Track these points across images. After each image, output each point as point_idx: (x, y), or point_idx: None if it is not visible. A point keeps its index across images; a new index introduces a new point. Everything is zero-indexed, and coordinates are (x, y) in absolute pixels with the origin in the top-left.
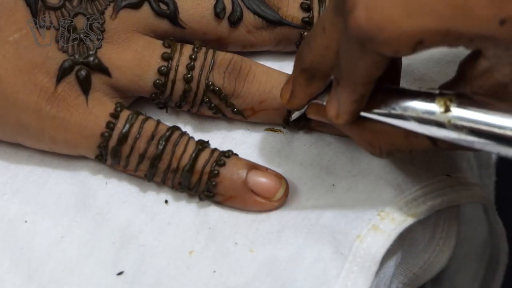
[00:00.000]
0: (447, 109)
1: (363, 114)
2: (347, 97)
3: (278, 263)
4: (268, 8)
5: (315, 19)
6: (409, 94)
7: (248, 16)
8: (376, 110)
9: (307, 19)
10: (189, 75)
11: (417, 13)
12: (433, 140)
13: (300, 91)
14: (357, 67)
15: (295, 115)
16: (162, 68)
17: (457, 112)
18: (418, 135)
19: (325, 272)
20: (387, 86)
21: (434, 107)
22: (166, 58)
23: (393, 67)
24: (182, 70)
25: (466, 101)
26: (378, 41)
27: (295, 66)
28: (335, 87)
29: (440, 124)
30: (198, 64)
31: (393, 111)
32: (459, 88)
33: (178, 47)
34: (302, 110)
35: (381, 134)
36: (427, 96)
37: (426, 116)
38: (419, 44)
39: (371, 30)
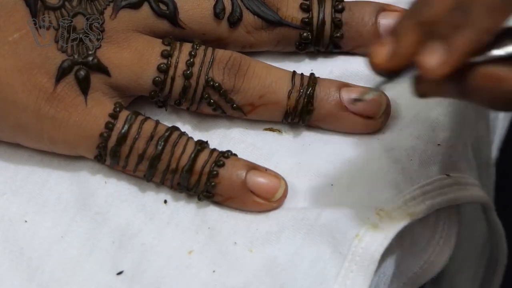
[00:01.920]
0: None
1: (477, 59)
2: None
3: (277, 263)
4: (267, 8)
5: (314, 20)
6: None
7: (248, 17)
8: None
9: (306, 20)
10: (188, 72)
11: None
12: None
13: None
14: None
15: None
16: (162, 65)
17: None
18: None
19: (324, 271)
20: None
21: None
22: (166, 55)
23: None
24: (181, 66)
25: None
26: None
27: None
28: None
29: None
30: (197, 60)
31: None
32: None
33: (178, 45)
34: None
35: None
36: None
37: None
38: None
39: None
